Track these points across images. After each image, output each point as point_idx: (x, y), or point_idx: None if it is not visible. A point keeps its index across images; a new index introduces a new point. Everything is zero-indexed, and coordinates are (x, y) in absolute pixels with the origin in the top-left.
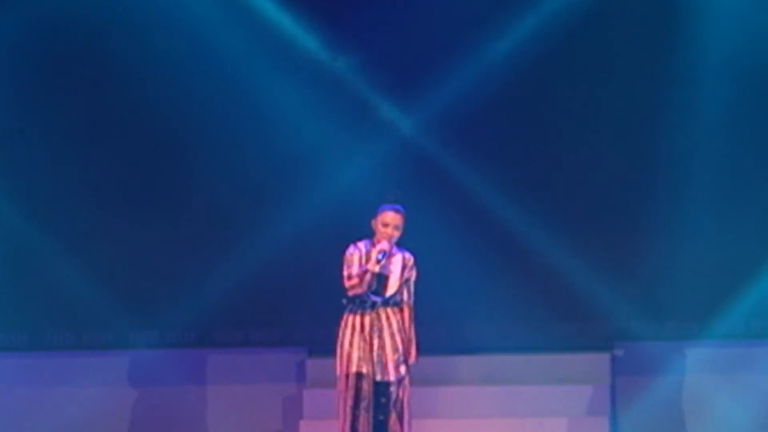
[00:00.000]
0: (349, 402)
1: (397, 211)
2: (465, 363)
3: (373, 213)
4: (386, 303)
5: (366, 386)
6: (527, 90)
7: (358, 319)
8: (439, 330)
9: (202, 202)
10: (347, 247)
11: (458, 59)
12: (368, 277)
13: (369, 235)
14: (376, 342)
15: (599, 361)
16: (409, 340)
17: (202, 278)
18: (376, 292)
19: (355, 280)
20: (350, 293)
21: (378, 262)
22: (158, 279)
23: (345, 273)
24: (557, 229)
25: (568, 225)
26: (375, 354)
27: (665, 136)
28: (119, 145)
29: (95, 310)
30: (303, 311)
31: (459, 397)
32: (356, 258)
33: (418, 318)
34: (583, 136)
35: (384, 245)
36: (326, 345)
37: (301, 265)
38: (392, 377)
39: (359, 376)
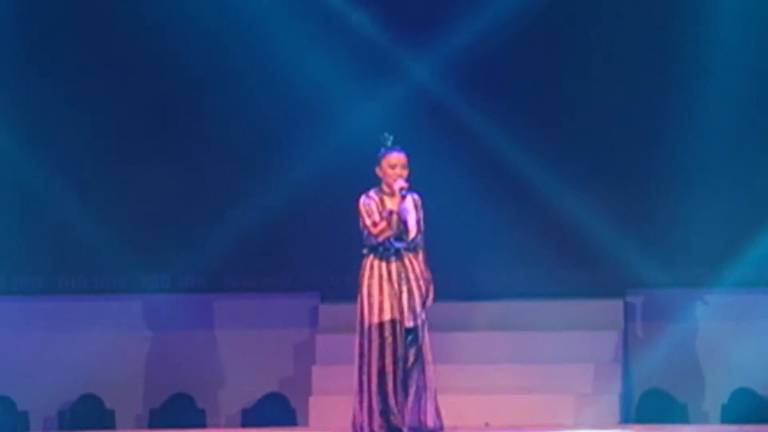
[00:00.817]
0: (380, 350)
1: (399, 150)
2: (477, 309)
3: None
4: (407, 248)
5: (397, 333)
6: (540, 35)
7: (384, 267)
8: (452, 276)
9: (214, 147)
10: (358, 198)
11: (470, 4)
12: (395, 218)
13: (377, 182)
14: (404, 288)
15: (612, 308)
16: (428, 282)
17: (214, 223)
18: (399, 238)
19: (383, 224)
20: (380, 239)
21: (401, 191)
22: (170, 224)
23: (368, 222)
24: (571, 176)
25: (582, 172)
26: (404, 300)
27: (679, 81)
28: (132, 91)
29: (107, 255)
30: (315, 257)
31: (471, 343)
32: (374, 206)
33: (431, 264)
34: (597, 82)
35: (402, 182)
36: (338, 290)
37: (312, 211)
38: (420, 321)
39: (392, 323)
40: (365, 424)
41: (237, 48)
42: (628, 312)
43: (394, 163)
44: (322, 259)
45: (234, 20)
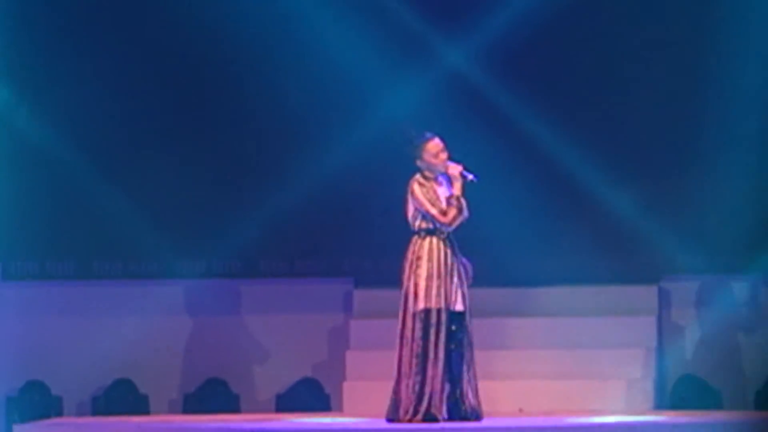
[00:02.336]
0: (426, 335)
1: (432, 137)
2: (511, 295)
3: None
4: (451, 233)
5: (443, 318)
6: (575, 21)
7: (440, 250)
8: (487, 262)
9: (248, 133)
10: (411, 185)
11: None
12: (463, 202)
13: (410, 166)
14: (455, 272)
15: (647, 294)
16: (465, 265)
17: (249, 209)
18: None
19: (454, 211)
20: (454, 225)
21: (468, 181)
22: (205, 209)
23: (434, 212)
24: (606, 162)
25: (618, 158)
26: (455, 284)
27: (715, 67)
28: (168, 76)
29: (142, 240)
30: (349, 242)
31: (506, 329)
32: (432, 193)
33: (468, 251)
34: (634, 69)
35: (458, 167)
36: (372, 276)
37: (347, 197)
38: (467, 306)
39: (439, 310)
40: (404, 409)
41: (271, 32)
42: (663, 298)
43: (438, 151)
44: (356, 245)
45: (267, 3)
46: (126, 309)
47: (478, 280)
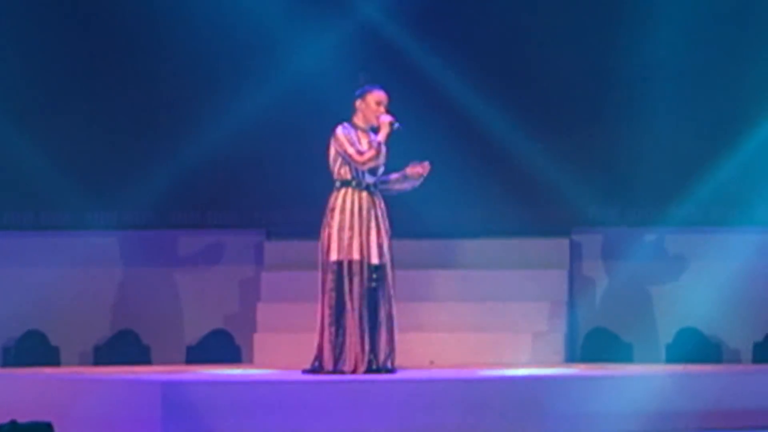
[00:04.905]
0: (347, 286)
1: (385, 89)
2: (424, 247)
3: (349, 97)
4: (375, 185)
5: (364, 270)
6: None
7: (356, 202)
8: (400, 214)
9: (160, 84)
10: (334, 128)
11: None
12: (384, 149)
13: (341, 118)
14: (373, 224)
15: (558, 246)
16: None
17: (160, 159)
18: (372, 172)
19: (371, 152)
20: (365, 167)
21: (394, 129)
22: (116, 160)
23: (351, 150)
24: (519, 114)
25: (530, 110)
26: (373, 237)
27: (625, 21)
28: (76, 24)
29: (53, 191)
30: (261, 194)
31: (418, 281)
32: (354, 136)
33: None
34: (548, 19)
35: (389, 117)
36: (284, 227)
37: (259, 148)
38: (387, 260)
39: (360, 261)
40: (326, 362)
41: None
42: (574, 251)
43: (381, 100)
44: (268, 196)
45: None
46: (37, 260)
47: (394, 231)
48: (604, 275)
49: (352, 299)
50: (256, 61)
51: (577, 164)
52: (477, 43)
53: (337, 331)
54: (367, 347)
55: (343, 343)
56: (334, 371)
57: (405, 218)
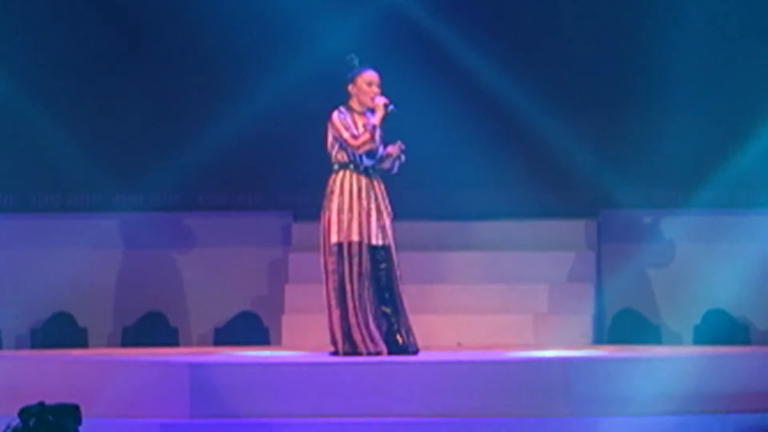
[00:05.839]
0: (347, 268)
1: (374, 69)
2: (450, 229)
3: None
4: (374, 167)
5: (363, 252)
6: None
7: (355, 184)
8: (425, 196)
9: (188, 66)
10: (329, 114)
11: None
12: (378, 132)
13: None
14: (373, 206)
15: (586, 228)
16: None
17: (187, 142)
18: (370, 155)
19: (366, 136)
20: (360, 151)
21: (389, 112)
22: (144, 142)
23: (346, 135)
24: (546, 97)
25: (557, 92)
26: (373, 218)
27: (657, 6)
28: (105, 8)
29: (81, 173)
30: (288, 176)
31: (445, 262)
32: (350, 120)
33: (405, 184)
34: (575, 4)
35: (385, 98)
36: (311, 209)
37: (286, 130)
38: (390, 241)
39: (359, 243)
40: (339, 343)
41: None
42: (602, 232)
43: (371, 81)
44: (296, 178)
45: None
46: (65, 242)
47: (415, 213)
48: (632, 257)
49: (352, 281)
50: (283, 43)
51: (604, 145)
52: (504, 25)
53: (342, 313)
54: (374, 328)
55: (349, 325)
56: (346, 353)
57: (431, 200)
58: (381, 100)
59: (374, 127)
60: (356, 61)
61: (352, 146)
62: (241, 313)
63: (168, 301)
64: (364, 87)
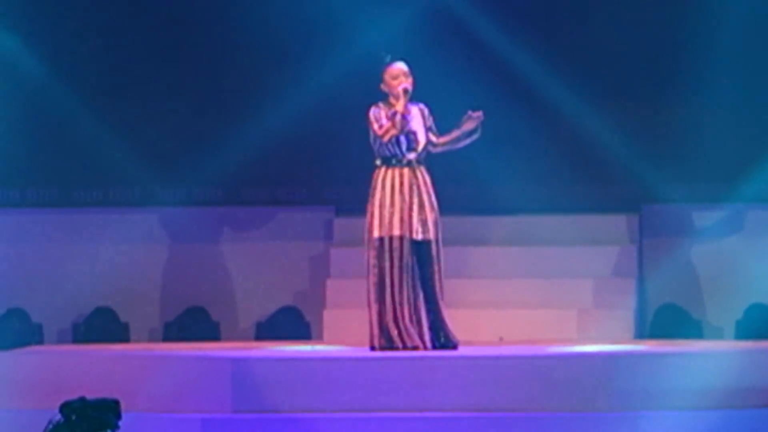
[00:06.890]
0: (389, 263)
1: (399, 61)
2: (493, 223)
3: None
4: (419, 160)
5: (407, 247)
6: None
7: (397, 178)
8: (466, 190)
9: (230, 60)
10: (368, 110)
11: None
12: (398, 117)
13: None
14: (416, 200)
15: (627, 223)
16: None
17: (230, 136)
18: (410, 148)
19: (388, 124)
20: (386, 139)
21: (406, 92)
22: (186, 136)
23: (375, 127)
24: (587, 91)
25: (598, 86)
26: (415, 213)
27: None
28: (146, 2)
29: (122, 168)
30: (330, 170)
31: (486, 257)
32: (383, 114)
33: (447, 178)
34: None
35: (406, 84)
36: (353, 204)
37: (329, 125)
38: (432, 236)
39: (401, 237)
40: (375, 337)
41: None
42: (644, 227)
43: (396, 74)
44: (338, 173)
45: None
46: (107, 236)
47: (457, 207)
48: (674, 251)
49: (392, 275)
50: (328, 38)
51: (646, 140)
52: (547, 19)
53: (380, 307)
54: (410, 323)
55: (387, 320)
56: (382, 347)
57: (474, 195)
58: (402, 87)
59: (395, 113)
60: (388, 58)
61: (380, 137)
62: (282, 308)
63: (209, 296)
64: (391, 81)
